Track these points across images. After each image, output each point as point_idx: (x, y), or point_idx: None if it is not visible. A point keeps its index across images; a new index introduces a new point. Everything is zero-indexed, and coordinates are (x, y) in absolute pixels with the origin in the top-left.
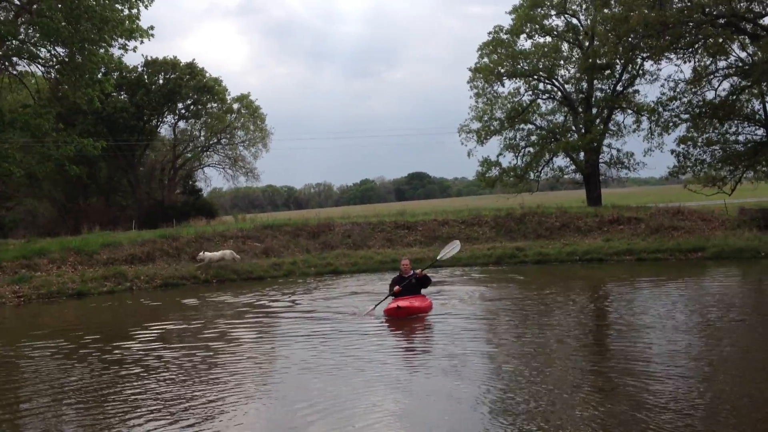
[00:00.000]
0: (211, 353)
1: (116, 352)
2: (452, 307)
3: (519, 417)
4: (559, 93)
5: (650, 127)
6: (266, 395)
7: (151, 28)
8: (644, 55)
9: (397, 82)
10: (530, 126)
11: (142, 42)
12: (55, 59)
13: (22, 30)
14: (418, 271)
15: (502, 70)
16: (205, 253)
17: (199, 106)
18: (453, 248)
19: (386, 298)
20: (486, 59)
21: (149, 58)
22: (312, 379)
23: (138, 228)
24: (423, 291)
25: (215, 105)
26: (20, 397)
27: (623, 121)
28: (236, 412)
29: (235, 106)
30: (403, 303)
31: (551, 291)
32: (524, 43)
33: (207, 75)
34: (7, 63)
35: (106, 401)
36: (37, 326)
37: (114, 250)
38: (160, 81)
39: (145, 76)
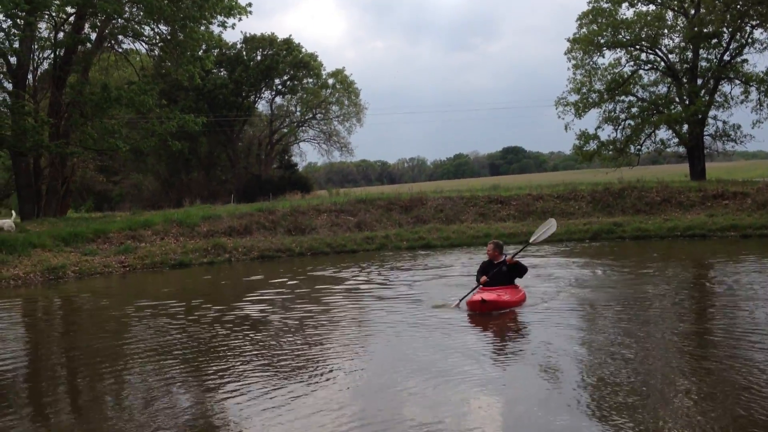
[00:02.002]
0: (310, 318)
1: (223, 315)
2: (545, 295)
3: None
4: (662, 63)
5: (759, 98)
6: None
7: (249, 5)
8: (754, 22)
9: (495, 54)
10: (631, 98)
11: (240, 19)
12: (158, 37)
13: (126, 9)
14: (508, 257)
15: (602, 41)
16: None
17: (295, 82)
18: (548, 229)
19: (474, 289)
20: (585, 29)
21: (248, 35)
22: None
23: (236, 201)
24: (517, 281)
25: (311, 80)
26: (133, 353)
27: (730, 92)
28: (338, 373)
29: (330, 81)
30: (488, 296)
31: (654, 271)
32: (626, 11)
33: (303, 51)
34: (113, 41)
35: (215, 359)
36: (144, 294)
37: (214, 223)
38: (258, 57)
39: (244, 53)
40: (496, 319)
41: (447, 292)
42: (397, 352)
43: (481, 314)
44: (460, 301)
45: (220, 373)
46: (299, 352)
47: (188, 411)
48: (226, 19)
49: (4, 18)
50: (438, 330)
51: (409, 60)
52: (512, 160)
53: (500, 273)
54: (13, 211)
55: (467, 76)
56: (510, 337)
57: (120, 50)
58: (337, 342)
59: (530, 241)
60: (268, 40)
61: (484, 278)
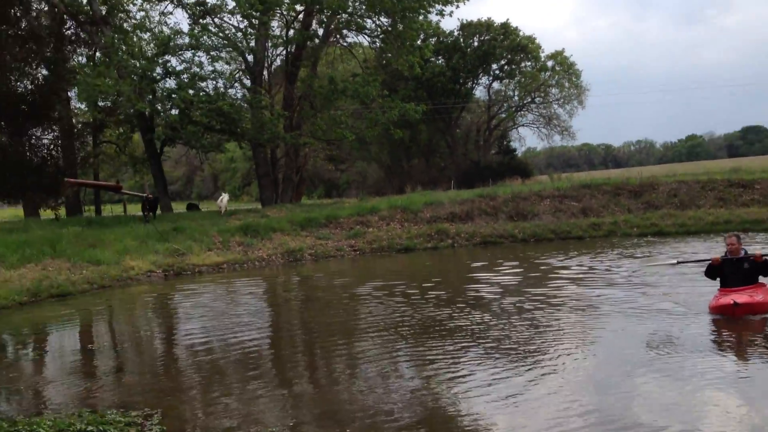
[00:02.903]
0: (535, 304)
1: (451, 296)
2: None
3: None
4: None
5: None
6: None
7: None
8: None
9: (731, 27)
10: None
11: (458, 6)
12: (379, 29)
13: (350, 3)
14: (757, 253)
15: None
16: None
17: (513, 66)
18: None
19: (704, 260)
20: None
21: (464, 22)
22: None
23: (456, 188)
24: (761, 279)
25: (529, 64)
26: (366, 329)
27: None
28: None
29: (549, 63)
30: (740, 298)
31: None
32: None
33: (521, 34)
34: (338, 36)
35: (443, 340)
36: (376, 275)
37: (436, 209)
38: (475, 43)
39: (461, 40)
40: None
41: (681, 284)
42: (622, 344)
43: (732, 317)
44: (682, 262)
45: (448, 355)
46: (525, 339)
47: (417, 393)
48: (443, 7)
49: (240, 19)
50: (664, 322)
51: (635, 37)
52: (753, 140)
53: (743, 270)
54: (225, 194)
55: (701, 51)
56: (746, 329)
57: (345, 44)
58: (562, 330)
59: None
60: (485, 26)
61: (716, 257)
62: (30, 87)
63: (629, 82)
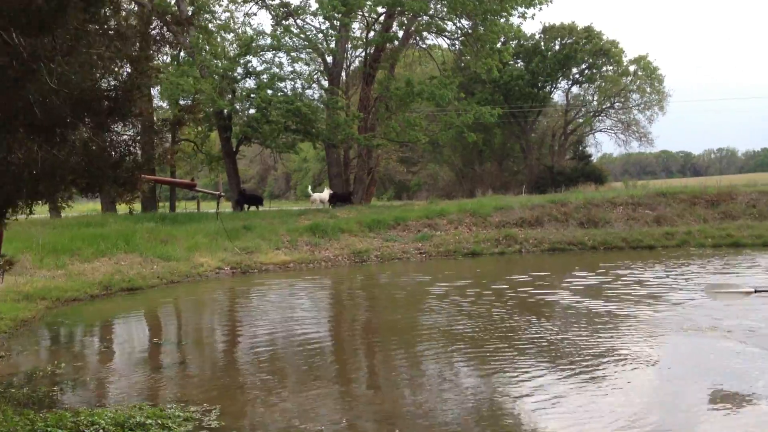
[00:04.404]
0: (599, 315)
1: (516, 302)
2: None
3: None
4: None
5: None
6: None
7: None
8: None
9: None
10: None
11: (540, 9)
12: (459, 31)
13: (431, 5)
14: None
15: None
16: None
17: (594, 70)
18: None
19: None
20: None
21: (547, 25)
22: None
23: (528, 192)
24: None
25: (611, 68)
26: (425, 332)
27: None
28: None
29: (632, 68)
30: None
31: None
32: None
33: (604, 38)
34: (417, 38)
35: (503, 346)
36: (443, 278)
37: (505, 214)
38: (556, 47)
39: (542, 43)
40: None
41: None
42: (689, 361)
43: None
44: (762, 292)
45: (507, 361)
46: (589, 350)
47: (473, 398)
48: (526, 9)
49: (322, 20)
50: (734, 340)
51: (722, 41)
52: None
53: None
54: (327, 189)
55: None
56: None
57: (423, 46)
58: (628, 342)
59: None
60: (568, 29)
61: None
62: (113, 84)
63: (715, 87)
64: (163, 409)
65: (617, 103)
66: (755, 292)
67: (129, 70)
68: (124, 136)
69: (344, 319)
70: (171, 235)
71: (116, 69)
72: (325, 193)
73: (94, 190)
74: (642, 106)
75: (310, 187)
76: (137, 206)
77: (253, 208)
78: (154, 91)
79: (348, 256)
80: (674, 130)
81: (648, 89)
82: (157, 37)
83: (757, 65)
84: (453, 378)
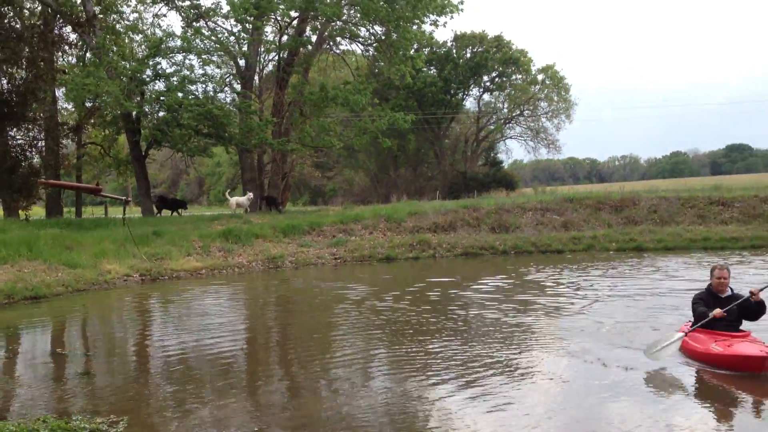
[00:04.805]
0: (505, 321)
1: (423, 308)
2: None
3: None
4: None
5: None
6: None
7: (461, 2)
8: None
9: (713, 41)
10: None
11: (452, 17)
12: (372, 38)
13: (345, 11)
14: (754, 289)
15: None
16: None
17: (504, 78)
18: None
19: (693, 328)
20: None
21: (458, 33)
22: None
23: (442, 198)
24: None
25: (520, 77)
26: (341, 336)
27: None
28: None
29: (540, 77)
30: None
31: None
32: None
33: (513, 47)
34: (331, 43)
35: (417, 348)
36: (357, 283)
37: (419, 219)
38: (468, 55)
39: (454, 51)
40: None
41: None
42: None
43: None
44: (667, 345)
45: (422, 367)
46: (495, 356)
47: (389, 402)
48: (438, 17)
49: (234, 23)
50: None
51: (624, 52)
52: (737, 158)
53: (733, 311)
54: (250, 192)
55: (692, 66)
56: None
57: (337, 51)
58: (536, 350)
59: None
60: (479, 38)
61: (719, 312)
62: (8, 87)
63: (616, 96)
64: (68, 422)
65: (526, 111)
66: (686, 335)
67: (25, 73)
68: (19, 141)
69: (258, 326)
70: (77, 241)
71: (12, 71)
72: (244, 198)
73: None
74: (550, 114)
75: (228, 192)
76: (40, 211)
77: (165, 212)
78: (59, 93)
79: (262, 262)
80: (581, 138)
81: (555, 98)
82: (56, 39)
83: (662, 74)
84: (367, 382)
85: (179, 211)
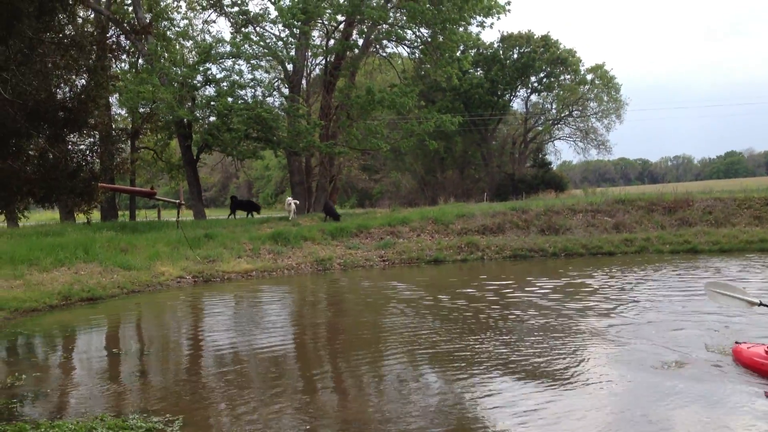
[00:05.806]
0: (559, 324)
1: (475, 311)
2: None
3: None
4: None
5: None
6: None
7: (508, 3)
8: None
9: None
10: None
11: (499, 18)
12: (419, 40)
13: (391, 14)
14: None
15: None
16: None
17: (552, 79)
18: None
19: None
20: None
21: (505, 34)
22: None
23: (489, 200)
24: None
25: (568, 77)
26: (391, 338)
27: None
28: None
29: (589, 77)
30: None
31: None
32: None
33: (561, 47)
34: (377, 46)
35: (465, 353)
36: (407, 285)
37: (467, 221)
38: (515, 55)
39: (500, 52)
40: None
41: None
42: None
43: None
44: (764, 305)
45: (469, 367)
46: (547, 358)
47: (439, 404)
48: (484, 19)
49: (282, 28)
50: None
51: (679, 49)
52: None
53: None
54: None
55: (746, 64)
56: None
57: (384, 54)
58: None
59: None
60: (525, 38)
61: None
62: (69, 94)
63: (670, 95)
64: (125, 420)
65: (575, 112)
66: (760, 305)
67: (85, 80)
68: (81, 147)
69: (308, 327)
70: (131, 244)
71: (72, 78)
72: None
73: (50, 200)
74: (599, 114)
75: (288, 194)
76: (96, 215)
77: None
78: (113, 99)
79: (311, 264)
80: (632, 138)
81: (605, 98)
82: (113, 46)
83: (714, 71)
84: (419, 384)
85: (253, 213)
